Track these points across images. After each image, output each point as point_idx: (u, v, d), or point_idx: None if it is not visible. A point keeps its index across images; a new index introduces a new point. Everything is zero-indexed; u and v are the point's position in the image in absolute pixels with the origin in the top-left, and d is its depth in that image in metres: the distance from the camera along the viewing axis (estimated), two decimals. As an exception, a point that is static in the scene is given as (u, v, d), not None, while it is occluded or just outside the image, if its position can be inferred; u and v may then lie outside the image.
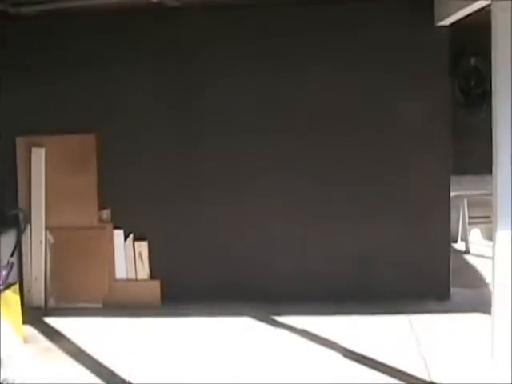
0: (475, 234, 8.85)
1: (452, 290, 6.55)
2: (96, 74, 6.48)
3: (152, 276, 6.65)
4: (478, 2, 4.94)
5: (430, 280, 6.47)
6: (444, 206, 6.43)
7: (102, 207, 6.63)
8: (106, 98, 6.54)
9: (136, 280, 6.65)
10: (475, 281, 7.13)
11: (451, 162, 6.43)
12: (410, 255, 6.47)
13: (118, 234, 6.63)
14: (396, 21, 6.27)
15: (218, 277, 6.60)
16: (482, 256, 8.14)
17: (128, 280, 6.66)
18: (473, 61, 8.55)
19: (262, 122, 6.47)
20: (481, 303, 6.30)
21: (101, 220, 6.64)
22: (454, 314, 6.15)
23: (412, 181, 6.42)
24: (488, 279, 7.02)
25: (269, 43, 6.38)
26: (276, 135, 6.49)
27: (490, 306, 6.13)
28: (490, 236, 8.84)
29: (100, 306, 6.62)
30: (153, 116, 6.56)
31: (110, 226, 6.63)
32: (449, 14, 5.74)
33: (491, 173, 8.57)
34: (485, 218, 8.81)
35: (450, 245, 6.56)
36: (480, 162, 8.57)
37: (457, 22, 6.02)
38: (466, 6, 5.19)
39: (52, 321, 6.23)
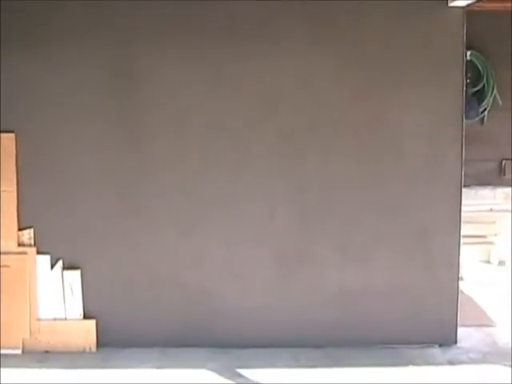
0: (468, 257, 7.69)
1: (456, 330, 5.39)
2: (18, 59, 5.08)
3: (86, 314, 5.30)
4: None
5: (433, 321, 5.31)
6: (453, 227, 5.26)
7: (22, 227, 5.25)
8: (29, 89, 5.13)
9: (65, 319, 5.31)
10: (480, 318, 5.95)
11: (461, 173, 5.25)
12: (408, 289, 5.29)
13: (43, 261, 5.26)
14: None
15: (169, 316, 5.31)
16: (480, 283, 7.04)
17: (55, 319, 5.30)
18: (468, 55, 7.40)
19: (227, 133, 5.20)
20: (494, 350, 5.22)
21: (21, 243, 5.26)
22: (464, 365, 4.98)
23: (413, 196, 5.22)
24: (495, 317, 5.92)
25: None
26: (248, 151, 5.22)
27: (507, 354, 5.06)
28: (486, 258, 7.86)
29: (19, 352, 5.25)
30: (89, 113, 5.18)
31: (33, 250, 5.26)
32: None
33: (484, 185, 7.86)
34: (480, 237, 7.75)
35: (458, 276, 5.35)
36: (472, 174, 7.67)
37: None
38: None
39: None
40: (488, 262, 7.84)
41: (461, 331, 5.37)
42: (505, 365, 4.90)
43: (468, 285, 6.95)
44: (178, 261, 5.28)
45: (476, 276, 7.26)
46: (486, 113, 7.81)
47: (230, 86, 5.15)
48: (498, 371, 4.83)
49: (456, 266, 5.29)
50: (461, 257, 5.37)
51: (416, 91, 5.11)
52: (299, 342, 5.21)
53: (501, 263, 7.72)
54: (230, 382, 4.76)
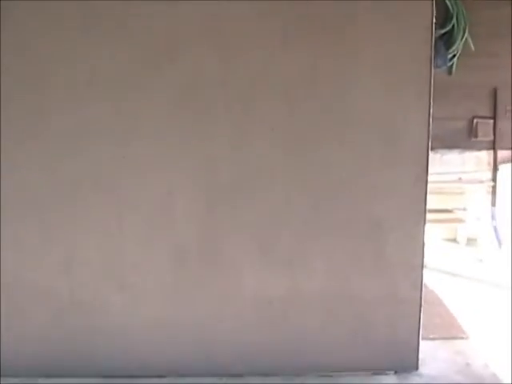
0: (430, 236, 6.47)
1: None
2: None
3: None
4: None
5: (386, 341, 3.97)
6: (416, 218, 3.94)
7: None
8: None
9: None
10: (449, 327, 4.66)
11: (428, 145, 3.95)
12: (353, 298, 3.93)
13: None
14: None
15: (32, 335, 3.91)
16: (443, 271, 5.80)
17: None
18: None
19: (99, 88, 3.72)
20: (466, 378, 3.92)
21: None
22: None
23: (362, 178, 3.82)
24: (466, 324, 4.65)
25: None
26: (134, 113, 3.75)
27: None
28: (452, 237, 6.68)
29: None
30: None
31: None
32: None
33: (451, 149, 6.62)
34: (445, 211, 6.50)
35: (421, 283, 4.00)
36: (436, 135, 6.37)
37: None
38: None
39: None
40: (454, 240, 6.64)
41: (423, 348, 4.07)
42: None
43: (431, 274, 5.68)
44: (42, 262, 3.84)
45: (441, 262, 6.02)
46: (455, 60, 6.58)
47: (100, 24, 3.65)
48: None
49: (419, 268, 3.93)
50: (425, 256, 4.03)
51: (368, 31, 3.65)
52: (204, 370, 3.90)
53: (470, 242, 6.51)
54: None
